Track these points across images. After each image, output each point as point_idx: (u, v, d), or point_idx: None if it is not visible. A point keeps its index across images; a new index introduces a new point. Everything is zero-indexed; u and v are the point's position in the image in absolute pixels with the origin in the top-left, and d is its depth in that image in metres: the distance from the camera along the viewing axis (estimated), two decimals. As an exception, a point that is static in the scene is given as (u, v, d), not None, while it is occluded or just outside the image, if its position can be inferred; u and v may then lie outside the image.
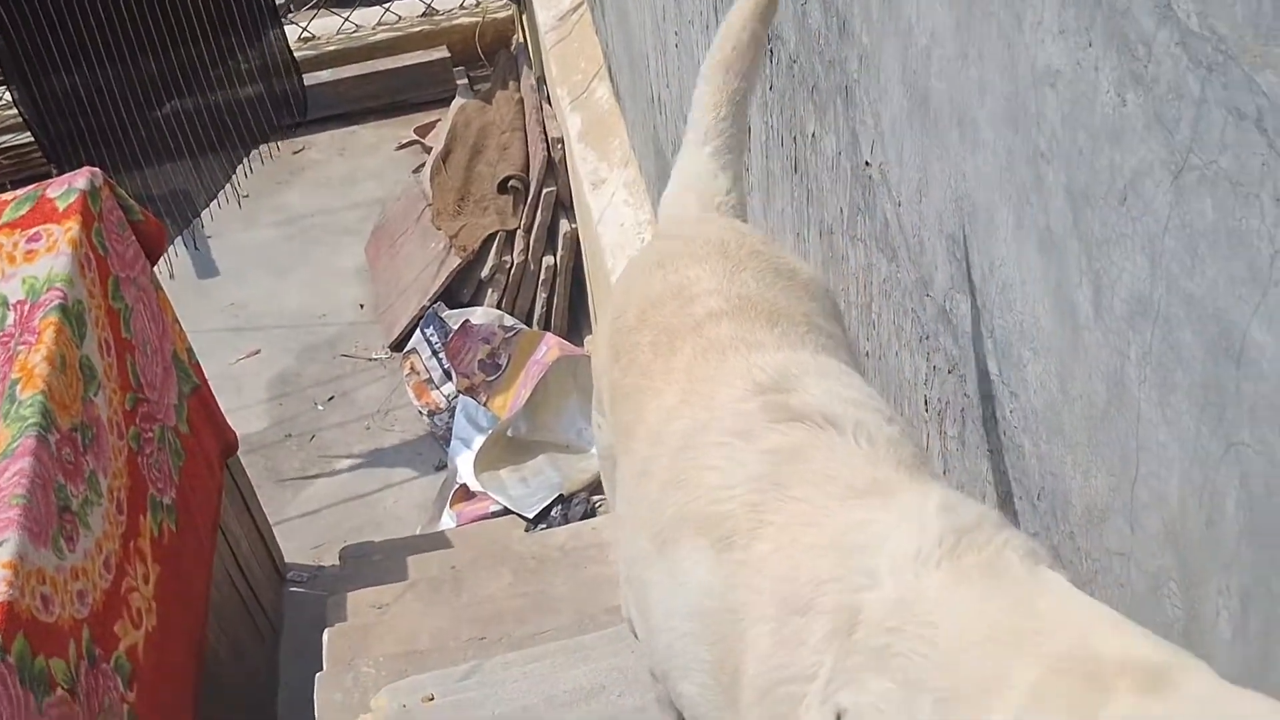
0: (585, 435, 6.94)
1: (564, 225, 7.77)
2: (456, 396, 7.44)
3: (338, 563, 6.59)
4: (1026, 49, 2.18)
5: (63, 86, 6.33)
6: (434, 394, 7.61)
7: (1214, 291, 1.79)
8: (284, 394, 7.79)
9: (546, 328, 7.79)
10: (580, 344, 7.54)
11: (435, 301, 7.82)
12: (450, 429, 7.44)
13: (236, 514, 6.05)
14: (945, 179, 2.65)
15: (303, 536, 6.96)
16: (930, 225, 2.77)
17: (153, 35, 6.55)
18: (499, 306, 7.84)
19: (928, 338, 2.90)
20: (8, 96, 7.20)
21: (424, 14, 9.83)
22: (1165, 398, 1.96)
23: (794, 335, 2.19)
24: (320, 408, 7.71)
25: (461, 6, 9.86)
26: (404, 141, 9.39)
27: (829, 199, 3.55)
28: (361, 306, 8.34)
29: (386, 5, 9.82)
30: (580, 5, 7.97)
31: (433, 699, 4.06)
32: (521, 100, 8.24)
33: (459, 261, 7.79)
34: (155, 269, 5.42)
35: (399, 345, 7.96)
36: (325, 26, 9.72)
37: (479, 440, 7.22)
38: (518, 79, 8.57)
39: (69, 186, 4.79)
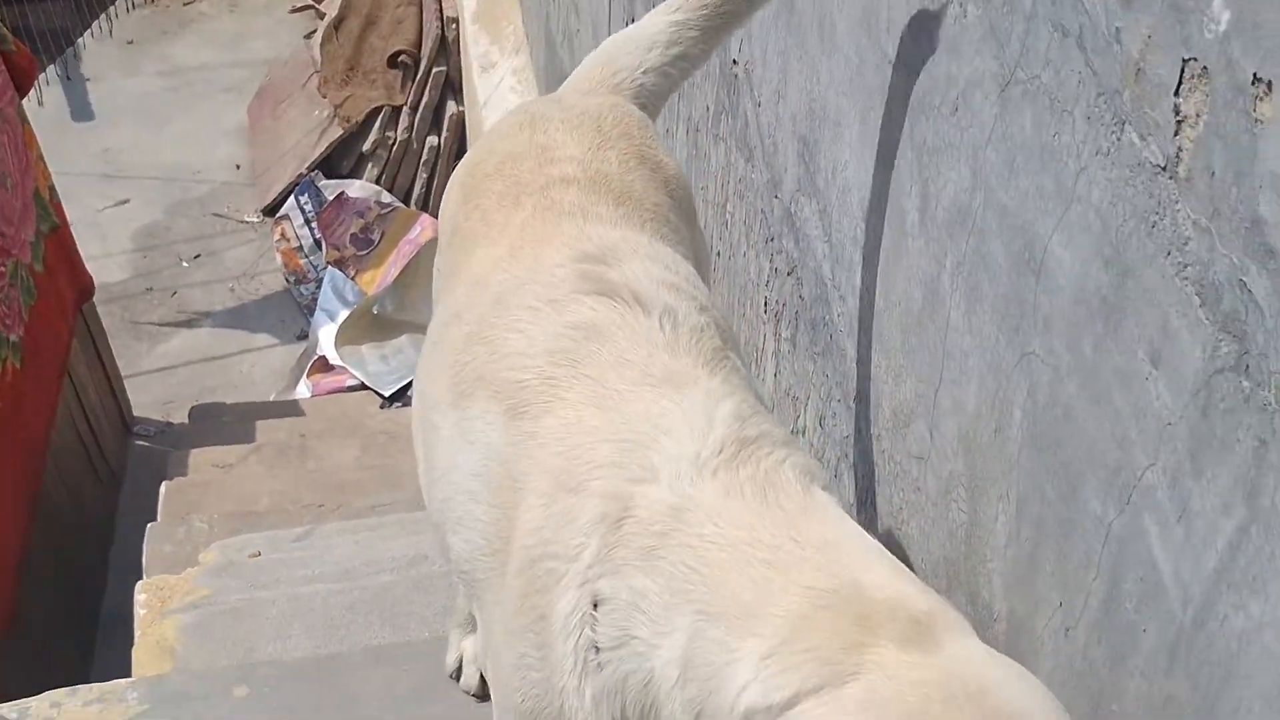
0: (450, 319, 6.92)
1: (451, 106, 7.71)
2: (325, 267, 7.39)
3: (187, 420, 6.55)
4: (884, -46, 2.21)
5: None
6: (303, 262, 7.55)
7: (1024, 204, 1.84)
8: (150, 247, 7.68)
9: (424, 209, 7.74)
10: (455, 228, 7.50)
11: (313, 170, 7.74)
12: (315, 299, 7.39)
13: (87, 361, 5.98)
14: (802, 80, 2.67)
15: (155, 391, 6.89)
16: (785, 126, 2.80)
17: None
18: (378, 182, 7.78)
19: (773, 239, 2.94)
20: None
21: (332, -122, 9.65)
22: (972, 306, 2.01)
23: (636, 219, 2.20)
24: (185, 264, 7.61)
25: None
26: (298, 5, 9.24)
27: (698, 96, 3.56)
28: (238, 167, 8.24)
29: None
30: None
31: (259, 555, 4.06)
32: (421, -25, 8.14)
33: (341, 132, 7.71)
34: (23, 102, 5.31)
35: (272, 210, 7.88)
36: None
37: (343, 314, 7.18)
38: (419, -47, 8.45)
39: (-64, 5, 4.66)
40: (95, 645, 5.21)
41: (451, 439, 1.90)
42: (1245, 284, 1.45)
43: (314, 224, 7.61)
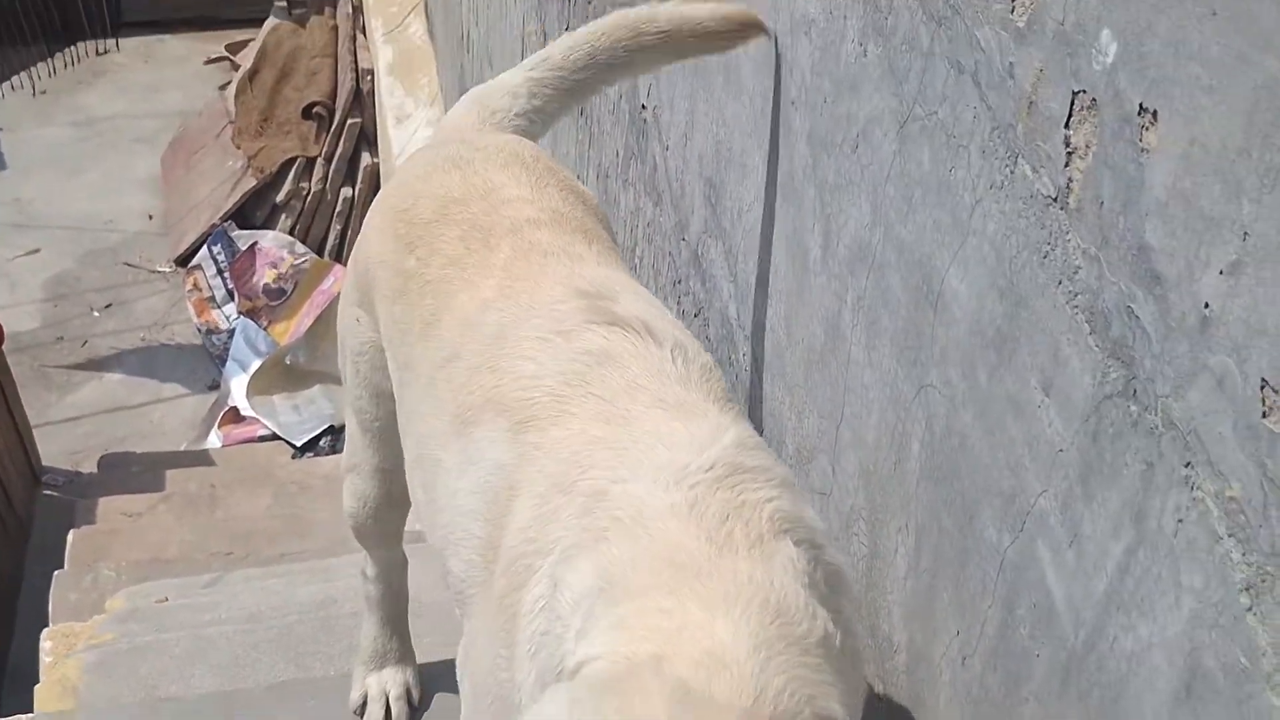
0: (364, 370, 6.90)
1: (365, 158, 7.71)
2: (237, 317, 7.34)
3: (96, 469, 6.47)
4: (789, -2, 2.25)
5: None
6: (214, 313, 7.51)
7: (922, 238, 1.87)
8: (60, 296, 7.61)
9: (338, 259, 7.72)
10: (370, 279, 7.48)
11: (226, 220, 7.70)
12: (227, 349, 7.35)
13: (-6, 410, 5.90)
14: (709, 123, 2.71)
15: (64, 440, 6.81)
16: (692, 169, 2.83)
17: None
18: (291, 233, 7.75)
19: (680, 281, 2.96)
20: None
21: (247, -70, 9.65)
22: (872, 341, 2.03)
23: (609, 256, 2.23)
24: (97, 314, 7.55)
25: (287, -73, 9.69)
26: (213, 56, 9.22)
27: (608, 142, 3.59)
28: (150, 218, 8.18)
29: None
30: (405, -61, 7.90)
31: (166, 600, 4.02)
32: (336, 28, 8.15)
33: (255, 182, 7.69)
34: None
35: (184, 260, 7.83)
36: (145, -69, 9.48)
37: (255, 364, 7.14)
38: (334, 5, 8.47)
39: None
40: (0, 695, 5.12)
41: (454, 466, 1.90)
42: (1133, 310, 1.48)
43: (226, 274, 7.57)
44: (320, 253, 7.76)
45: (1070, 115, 1.57)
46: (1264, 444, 1.29)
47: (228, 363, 7.32)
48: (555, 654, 1.61)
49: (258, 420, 6.95)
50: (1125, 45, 1.45)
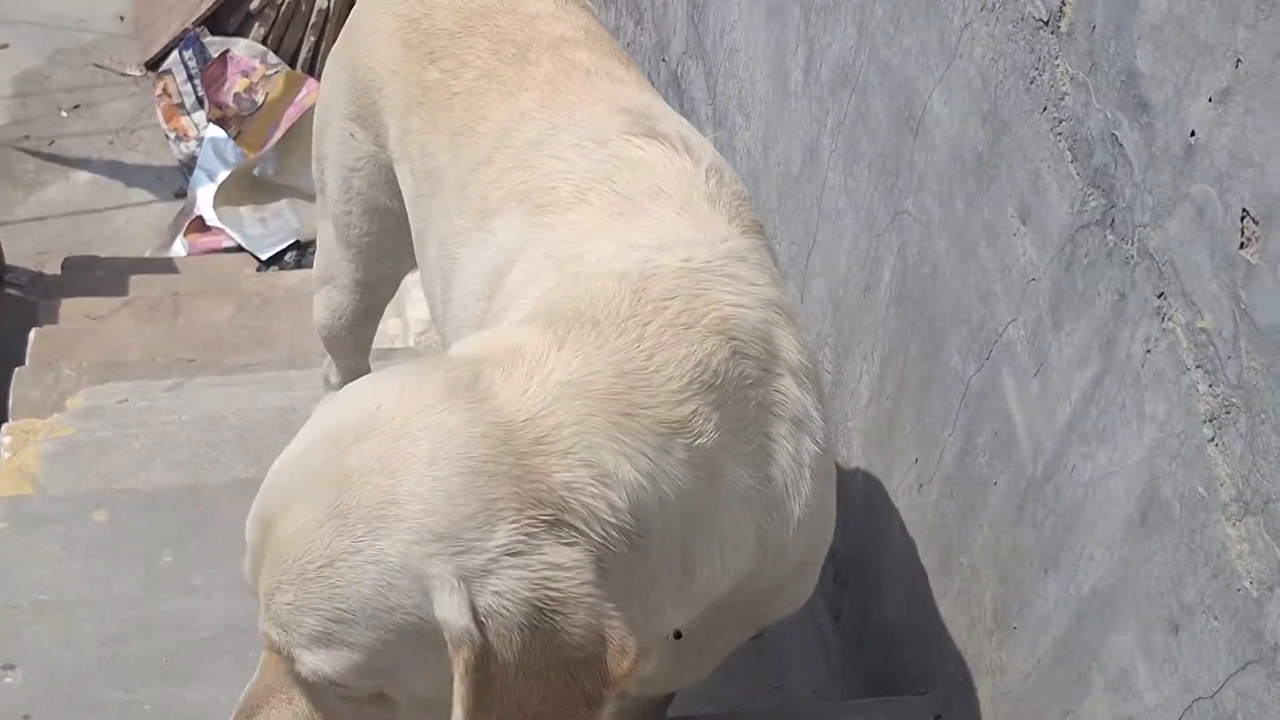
0: (334, 186, 6.82)
1: (344, -31, 7.54)
2: (207, 126, 7.23)
3: (60, 271, 6.41)
4: None
5: None
6: (184, 120, 7.38)
7: (907, 62, 1.84)
8: (28, 94, 7.46)
9: (310, 72, 7.59)
10: (343, 94, 7.36)
11: (199, 25, 7.54)
12: (195, 158, 7.24)
13: (-43, 205, 5.83)
14: (696, -61, 2.65)
15: (28, 241, 6.72)
16: (676, -13, 2.78)
17: None
18: (264, 42, 7.59)
19: (659, 103, 2.92)
20: None
21: None
22: (850, 166, 2.01)
23: (645, 82, 2.19)
24: (65, 114, 7.40)
25: None
26: None
27: (592, -42, 3.52)
28: (122, 19, 8.00)
29: None
30: None
31: (127, 402, 4.01)
32: None
33: (230, -11, 7.51)
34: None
35: (155, 64, 7.67)
36: None
37: (224, 174, 7.05)
38: None
39: None
40: (-45, 490, 5.12)
41: (470, 256, 1.89)
42: (1117, 138, 1.46)
43: (197, 81, 7.44)
44: (293, 64, 7.61)
45: (1068, -64, 1.54)
46: (1240, 275, 1.29)
47: (195, 172, 7.21)
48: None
49: (224, 231, 6.87)
50: None
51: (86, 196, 7.12)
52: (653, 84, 2.93)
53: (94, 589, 2.76)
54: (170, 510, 2.86)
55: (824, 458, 1.59)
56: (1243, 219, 1.29)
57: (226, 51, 7.46)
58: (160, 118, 7.54)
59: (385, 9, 2.27)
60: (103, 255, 6.74)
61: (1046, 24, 1.58)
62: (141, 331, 5.62)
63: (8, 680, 2.43)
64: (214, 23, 7.67)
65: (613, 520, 1.40)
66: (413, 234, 2.20)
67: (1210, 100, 1.31)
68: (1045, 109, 1.60)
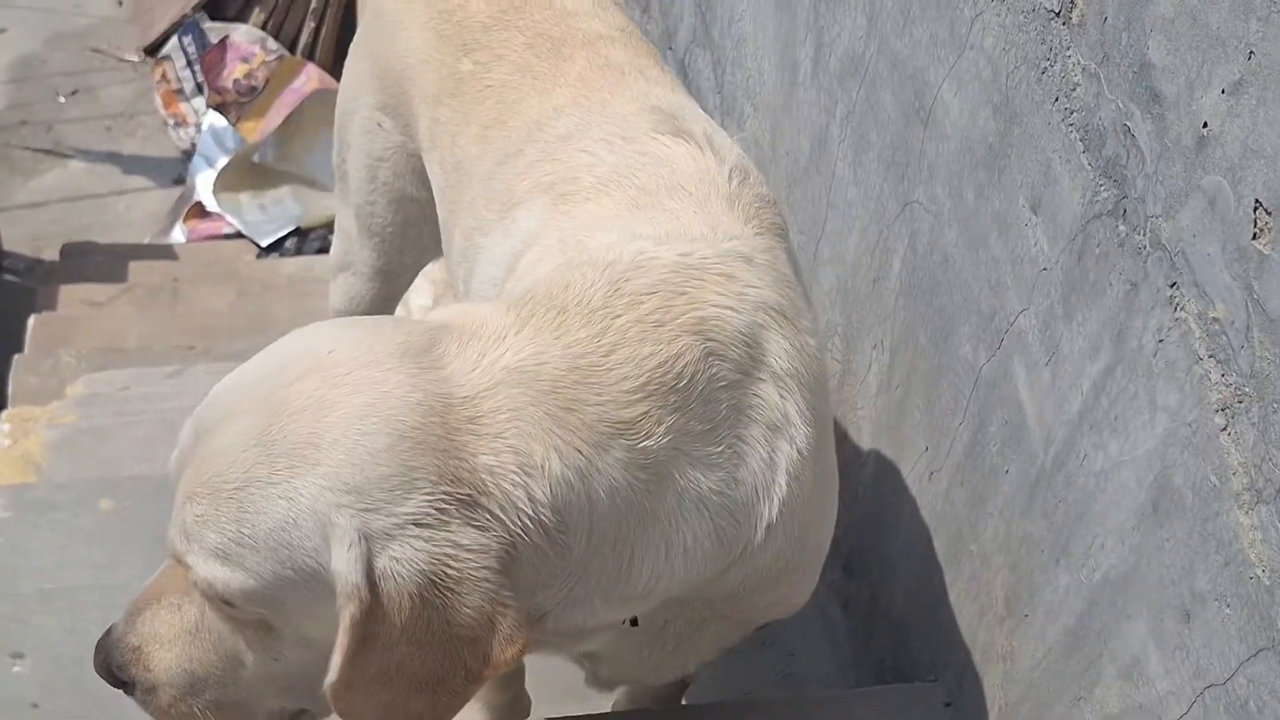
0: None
1: (343, -44, 7.53)
2: (206, 111, 7.23)
3: (58, 257, 6.41)
4: None
5: None
6: (183, 106, 7.38)
7: (917, 52, 1.85)
8: (25, 78, 7.45)
9: (310, 58, 7.58)
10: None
11: (198, 10, 7.53)
12: (195, 144, 7.23)
13: (-45, 190, 5.83)
14: (703, -72, 2.66)
15: (26, 226, 6.71)
16: (683, -24, 2.78)
17: None
18: (264, 28, 7.59)
19: (664, 91, 2.92)
20: None
21: None
22: (859, 157, 2.02)
23: (677, 82, 2.20)
24: (63, 100, 7.39)
25: None
26: None
27: (596, -54, 3.52)
28: (120, 4, 7.99)
29: None
30: None
31: (128, 389, 4.01)
32: None
33: (229, -26, 7.50)
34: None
35: (154, 50, 7.66)
36: None
37: (223, 161, 7.04)
38: None
39: None
40: (-45, 476, 5.12)
41: (491, 245, 1.90)
42: (1129, 129, 1.47)
43: (196, 67, 7.43)
44: (292, 50, 7.60)
45: (1080, -72, 1.54)
46: (1252, 265, 1.30)
47: (195, 158, 7.20)
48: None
49: (223, 217, 6.87)
50: None
51: (85, 182, 7.11)
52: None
53: (100, 576, 2.76)
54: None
55: (806, 463, 1.56)
56: (1255, 210, 1.30)
57: (226, 37, 7.45)
58: (159, 104, 7.53)
59: (411, 1, 2.27)
60: (101, 242, 6.73)
61: (1058, 15, 1.59)
62: (141, 318, 5.62)
63: (16, 669, 2.44)
64: (213, 8, 7.66)
65: (529, 511, 1.41)
66: (440, 224, 2.21)
67: (1223, 92, 1.32)
68: (1057, 100, 1.61)
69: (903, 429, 1.95)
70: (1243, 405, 1.33)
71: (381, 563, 1.36)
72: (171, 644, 1.55)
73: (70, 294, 5.77)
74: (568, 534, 1.44)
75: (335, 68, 7.33)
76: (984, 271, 1.75)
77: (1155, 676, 1.48)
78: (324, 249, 6.65)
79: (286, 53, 7.52)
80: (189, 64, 7.49)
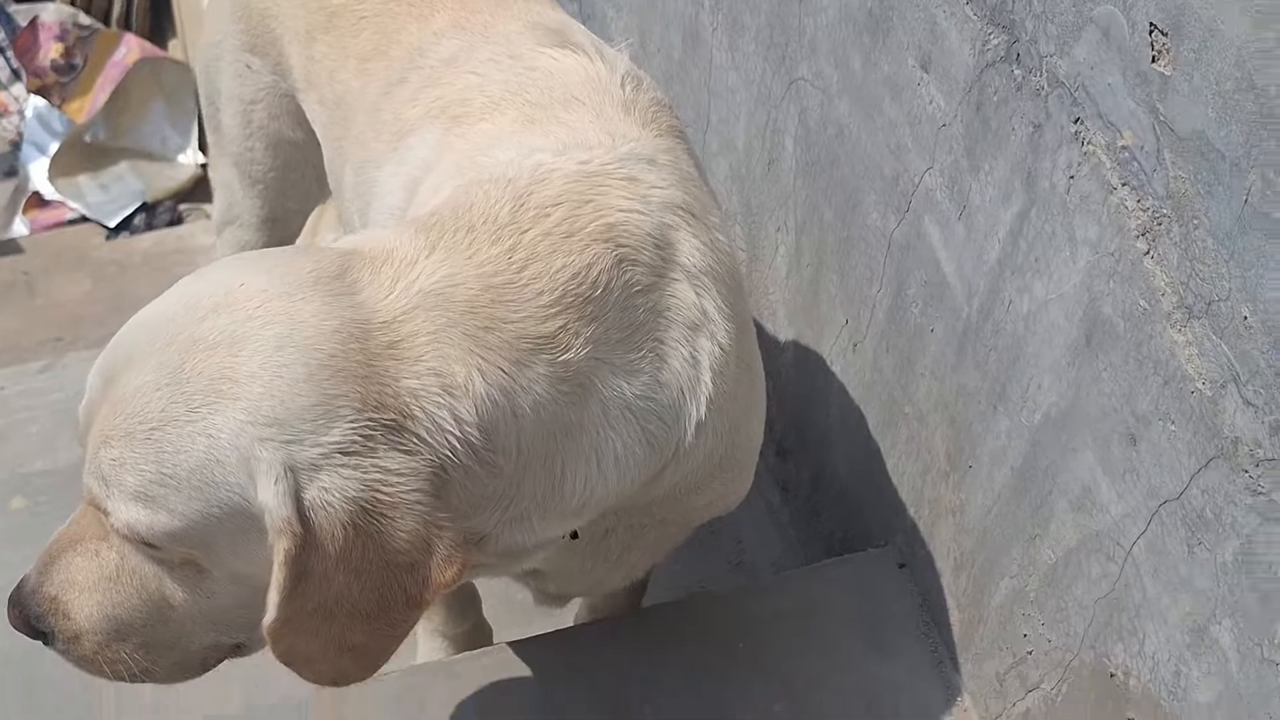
0: (171, 143, 6.67)
1: (145, -80, 7.32)
2: (27, 98, 7.02)
3: (-110, 268, 6.22)
4: None
5: None
6: (2, 95, 7.16)
7: (781, -71, 1.85)
8: None
9: (126, 29, 7.39)
10: (164, 46, 7.18)
11: (1, -4, 7.30)
12: (21, 133, 7.04)
13: None
14: None
15: None
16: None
17: None
18: (73, 4, 7.38)
19: (514, 8, 2.90)
20: None
21: None
22: (735, 41, 2.02)
23: (558, 5, 2.16)
24: (-128, 105, 7.15)
25: None
26: None
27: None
28: (-81, -1, 7.73)
29: None
30: None
31: (4, 389, 3.92)
32: None
33: (28, -46, 7.26)
34: None
35: (-38, 42, 7.42)
36: None
37: (54, 145, 6.86)
38: None
39: None
40: None
41: (387, 177, 1.86)
42: (1012, -27, 1.49)
43: (9, 53, 7.21)
44: (106, 23, 7.40)
45: None
46: (1155, 88, 1.33)
47: (24, 146, 7.01)
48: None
49: (65, 203, 6.70)
50: None
51: (-92, 188, 6.88)
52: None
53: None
54: (86, 483, 2.83)
55: (729, 357, 1.58)
56: (1150, 33, 1.32)
57: (35, 18, 7.23)
58: (-24, 96, 7.31)
59: None
60: (-63, 246, 6.52)
61: None
62: (-1, 318, 5.48)
63: (-59, 678, 2.40)
64: (17, -10, 7.41)
65: (456, 432, 1.41)
66: (325, 163, 2.17)
67: (1106, -78, 1.34)
68: (933, -45, 1.62)
69: (819, 306, 1.97)
70: (1162, 227, 1.36)
71: (311, 494, 1.35)
72: (92, 590, 1.53)
73: (-83, 306, 5.61)
74: (496, 453, 1.44)
75: (154, 35, 7.17)
76: (882, 137, 1.77)
77: (1108, 502, 1.52)
78: (174, 221, 6.53)
79: (101, 26, 7.32)
80: (1, 51, 7.26)
